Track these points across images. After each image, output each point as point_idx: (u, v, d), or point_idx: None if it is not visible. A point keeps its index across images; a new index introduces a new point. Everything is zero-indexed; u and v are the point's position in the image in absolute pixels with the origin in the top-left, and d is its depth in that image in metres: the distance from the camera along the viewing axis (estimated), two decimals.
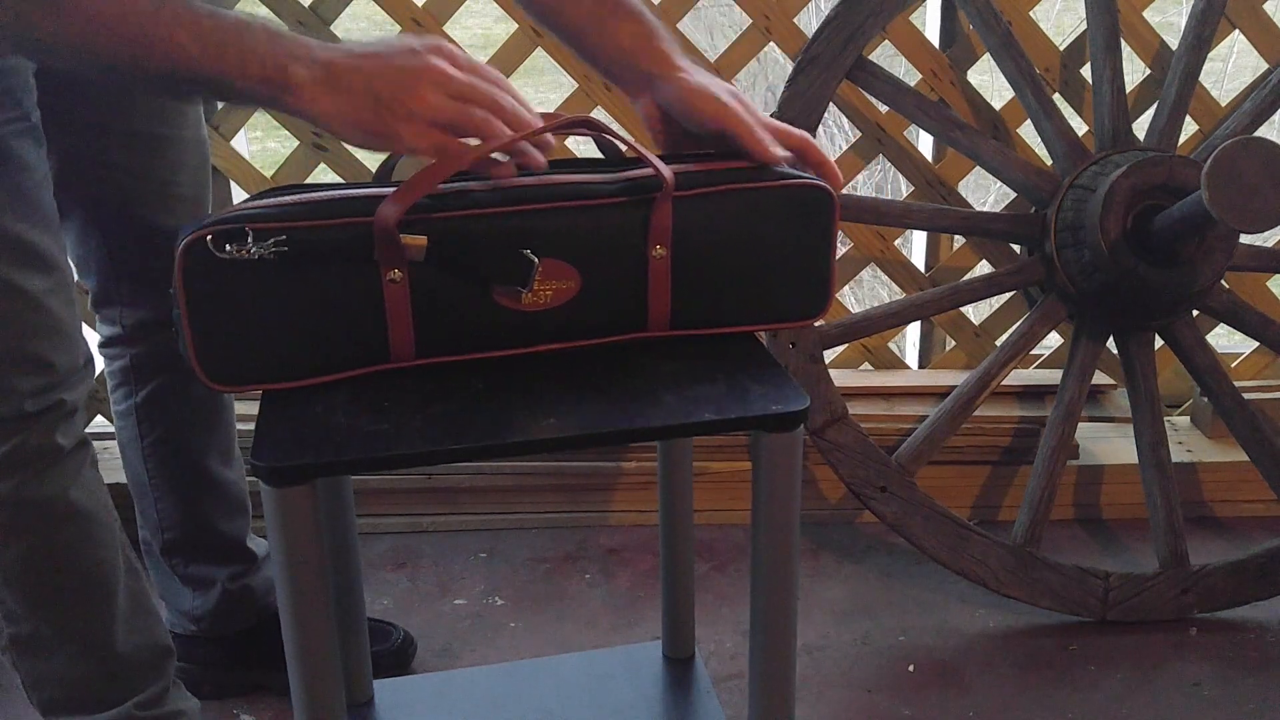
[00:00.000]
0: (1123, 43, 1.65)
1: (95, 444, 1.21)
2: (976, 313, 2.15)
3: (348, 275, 0.82)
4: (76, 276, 1.27)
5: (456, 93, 0.81)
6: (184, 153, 1.25)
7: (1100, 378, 1.90)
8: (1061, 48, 1.78)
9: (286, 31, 0.81)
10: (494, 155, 0.84)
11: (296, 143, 1.76)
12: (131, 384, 1.35)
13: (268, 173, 1.79)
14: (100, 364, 1.32)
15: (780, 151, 0.92)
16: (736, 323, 0.93)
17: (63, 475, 1.12)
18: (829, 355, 1.85)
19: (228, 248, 0.78)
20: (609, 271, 0.87)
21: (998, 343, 1.79)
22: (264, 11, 1.67)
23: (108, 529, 1.18)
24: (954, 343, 1.94)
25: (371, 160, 1.80)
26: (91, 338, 1.24)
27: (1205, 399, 1.88)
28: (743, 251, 0.89)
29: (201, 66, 0.78)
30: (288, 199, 0.82)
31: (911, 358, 2.03)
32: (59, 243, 1.10)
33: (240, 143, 1.80)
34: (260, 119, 2.27)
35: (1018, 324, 1.70)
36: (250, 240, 0.78)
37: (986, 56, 1.73)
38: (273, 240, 0.79)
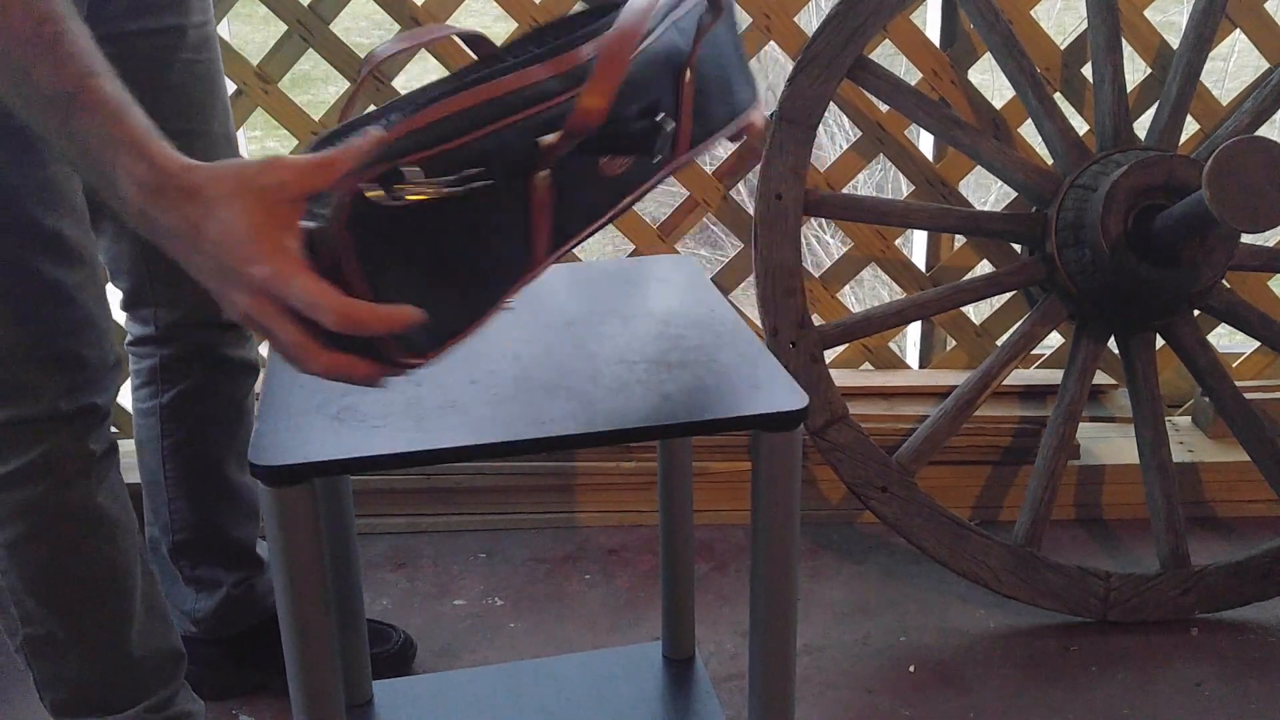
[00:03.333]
0: (1124, 42, 1.65)
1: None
2: (977, 312, 2.15)
3: (497, 187, 0.72)
4: (109, 278, 1.25)
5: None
6: (212, 148, 1.22)
7: (1101, 377, 1.90)
8: (1062, 47, 1.78)
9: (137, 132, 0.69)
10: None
11: (295, 142, 1.76)
12: (158, 384, 1.34)
13: None
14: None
15: None
16: (718, 129, 0.91)
17: (92, 480, 1.12)
18: (829, 355, 1.85)
19: (395, 189, 0.67)
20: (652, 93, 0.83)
21: (998, 343, 1.79)
22: (263, 11, 1.67)
23: (129, 533, 1.18)
24: (955, 342, 1.93)
25: None
26: None
27: (1206, 399, 1.88)
28: (711, 59, 0.88)
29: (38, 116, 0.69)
30: (419, 117, 0.69)
31: (912, 358, 2.03)
32: (89, 235, 1.08)
33: (239, 141, 1.80)
34: (259, 118, 2.27)
35: (1018, 324, 1.70)
36: (410, 178, 0.67)
37: (987, 56, 1.73)
38: (454, 176, 0.68)
